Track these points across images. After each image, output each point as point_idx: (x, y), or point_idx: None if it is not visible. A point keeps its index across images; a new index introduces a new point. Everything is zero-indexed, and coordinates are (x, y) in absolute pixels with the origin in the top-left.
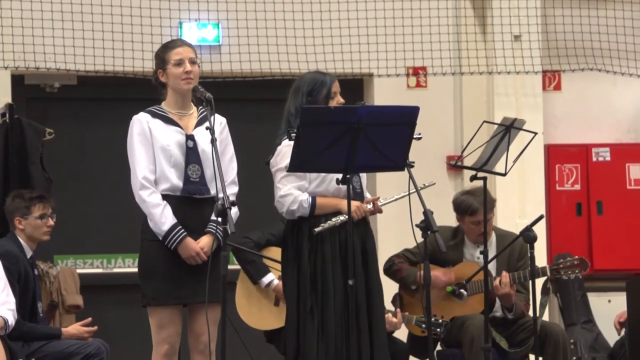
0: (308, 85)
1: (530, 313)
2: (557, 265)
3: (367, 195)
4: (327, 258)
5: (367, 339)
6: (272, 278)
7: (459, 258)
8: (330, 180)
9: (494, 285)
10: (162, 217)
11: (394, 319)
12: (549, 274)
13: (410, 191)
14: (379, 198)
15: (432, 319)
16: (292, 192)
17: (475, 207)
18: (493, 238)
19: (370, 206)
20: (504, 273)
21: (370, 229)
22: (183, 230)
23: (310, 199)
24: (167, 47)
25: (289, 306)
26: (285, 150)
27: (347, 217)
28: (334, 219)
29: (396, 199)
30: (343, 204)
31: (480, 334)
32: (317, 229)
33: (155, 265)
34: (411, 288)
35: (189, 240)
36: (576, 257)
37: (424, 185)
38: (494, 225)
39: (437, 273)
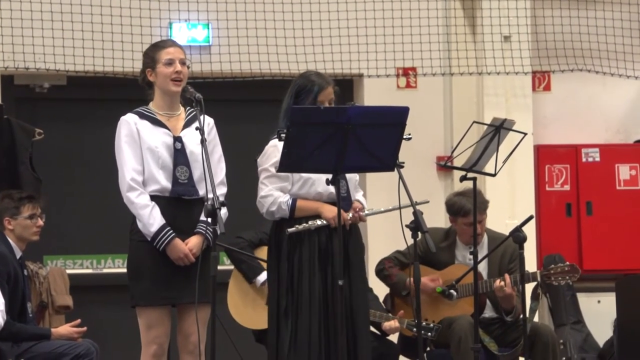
0: (298, 87)
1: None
2: (547, 271)
3: (356, 197)
4: (305, 260)
5: (347, 342)
6: (267, 276)
7: (451, 260)
8: (312, 184)
9: (494, 287)
10: (151, 218)
11: (396, 324)
12: (539, 279)
13: (400, 206)
14: (362, 208)
15: (424, 323)
16: (273, 193)
17: (467, 208)
18: (485, 240)
19: (351, 215)
20: (505, 275)
21: (359, 233)
22: (171, 231)
23: (290, 201)
24: (157, 47)
25: (269, 307)
26: (270, 150)
27: (324, 222)
28: (310, 222)
29: (383, 212)
30: (323, 208)
31: (467, 334)
32: (290, 229)
33: (143, 265)
34: (402, 294)
35: (178, 241)
36: (567, 263)
37: (417, 202)
38: (486, 227)
39: (425, 280)
